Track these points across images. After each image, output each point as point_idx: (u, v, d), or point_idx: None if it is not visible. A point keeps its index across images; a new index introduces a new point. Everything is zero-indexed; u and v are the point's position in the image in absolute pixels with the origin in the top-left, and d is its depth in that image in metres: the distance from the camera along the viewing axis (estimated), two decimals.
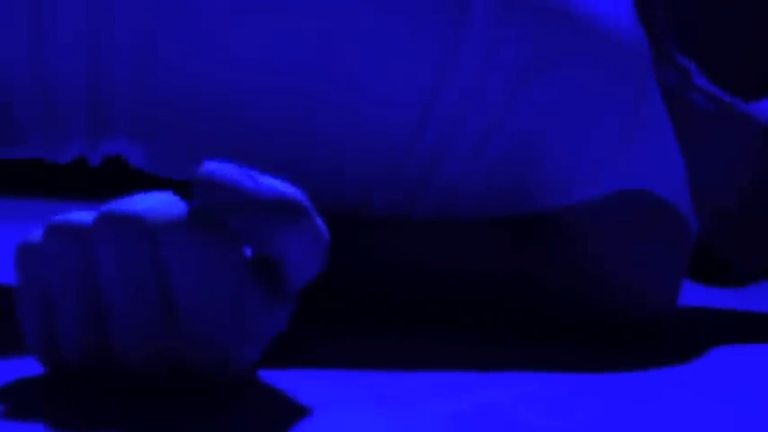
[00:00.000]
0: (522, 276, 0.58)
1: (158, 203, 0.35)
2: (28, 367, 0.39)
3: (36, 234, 0.37)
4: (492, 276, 0.58)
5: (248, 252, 0.35)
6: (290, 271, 0.35)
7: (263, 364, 0.41)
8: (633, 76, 0.60)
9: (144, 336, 0.34)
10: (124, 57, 0.53)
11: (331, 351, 0.46)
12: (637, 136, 0.60)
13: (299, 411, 0.34)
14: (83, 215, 0.36)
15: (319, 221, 0.36)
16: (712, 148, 0.72)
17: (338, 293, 0.59)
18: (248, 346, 0.34)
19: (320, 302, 0.60)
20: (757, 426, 0.37)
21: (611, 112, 0.59)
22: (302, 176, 0.57)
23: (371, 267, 0.57)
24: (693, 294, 0.92)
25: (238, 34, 0.53)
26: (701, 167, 0.72)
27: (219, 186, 0.33)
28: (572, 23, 0.59)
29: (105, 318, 0.35)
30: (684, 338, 0.62)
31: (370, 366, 0.43)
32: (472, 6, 0.56)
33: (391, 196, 0.57)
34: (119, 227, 0.34)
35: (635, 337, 0.59)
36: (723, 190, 0.73)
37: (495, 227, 0.59)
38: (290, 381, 0.38)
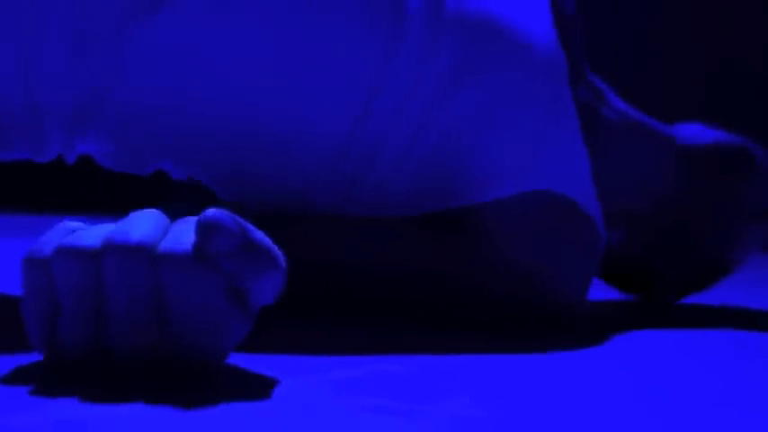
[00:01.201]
0: (443, 273, 0.63)
1: (158, 232, 0.43)
2: (26, 358, 0.48)
3: (39, 247, 0.43)
4: (415, 274, 0.63)
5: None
6: (255, 297, 0.43)
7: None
8: (550, 85, 0.66)
9: (138, 341, 0.41)
10: (104, 62, 0.59)
11: (263, 338, 0.56)
12: (552, 140, 0.65)
13: (251, 385, 0.44)
14: (90, 236, 0.43)
15: (282, 260, 0.43)
16: (626, 163, 0.77)
17: None
18: (224, 351, 0.43)
19: None
20: (646, 410, 0.47)
21: (530, 115, 0.64)
22: (249, 172, 0.63)
23: (296, 266, 0.63)
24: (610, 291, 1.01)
25: (198, 43, 0.59)
26: (616, 181, 0.77)
27: (219, 232, 0.41)
28: (499, 34, 0.64)
29: (106, 324, 0.42)
30: (593, 329, 0.69)
31: (290, 348, 0.53)
32: (409, 14, 0.62)
33: (330, 190, 0.63)
34: (126, 256, 0.41)
35: (548, 328, 0.65)
36: (636, 203, 0.79)
37: (417, 226, 0.64)
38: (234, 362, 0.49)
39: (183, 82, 0.60)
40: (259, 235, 0.43)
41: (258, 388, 0.43)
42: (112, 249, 0.42)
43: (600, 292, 0.99)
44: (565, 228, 0.65)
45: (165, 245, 0.42)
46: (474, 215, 0.64)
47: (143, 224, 0.43)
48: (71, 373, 0.44)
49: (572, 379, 0.49)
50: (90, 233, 0.43)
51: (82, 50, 0.59)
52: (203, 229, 0.41)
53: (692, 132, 0.83)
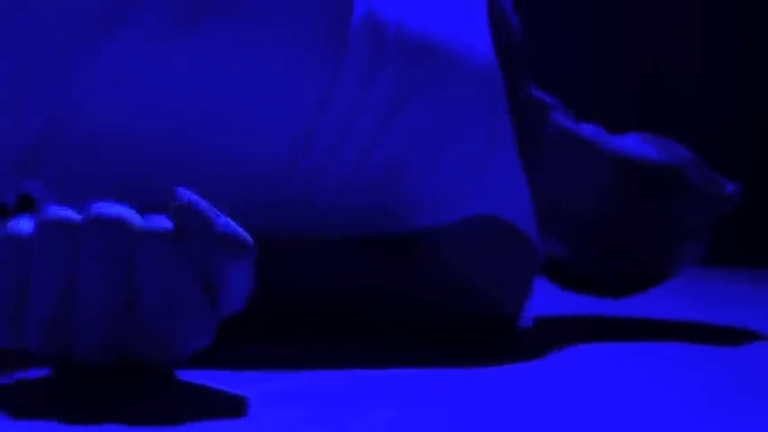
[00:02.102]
0: (394, 292, 0.65)
1: (134, 214, 0.43)
2: None
3: (17, 224, 0.43)
4: (368, 292, 0.65)
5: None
6: (224, 296, 0.43)
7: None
8: (488, 111, 0.68)
9: (103, 326, 0.41)
10: (46, 105, 0.60)
11: (220, 355, 0.57)
12: (491, 163, 0.67)
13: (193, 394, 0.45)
14: (72, 211, 0.43)
15: (252, 246, 0.43)
16: (566, 178, 0.80)
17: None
18: (186, 346, 0.43)
19: None
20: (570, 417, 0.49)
21: (469, 139, 0.67)
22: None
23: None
24: (562, 304, 1.03)
25: (141, 76, 0.60)
26: (557, 195, 0.80)
27: (194, 210, 0.42)
28: (439, 55, 0.66)
29: (72, 306, 0.42)
30: (534, 341, 0.71)
31: (245, 364, 0.54)
32: (349, 39, 0.63)
33: (269, 214, 0.64)
34: (106, 226, 0.41)
35: (489, 338, 0.68)
36: (576, 217, 0.81)
37: (369, 248, 0.66)
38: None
39: (126, 117, 0.61)
40: (228, 220, 0.43)
41: (190, 401, 0.45)
42: (93, 221, 0.42)
43: (550, 299, 1.01)
44: (505, 247, 0.67)
45: (144, 223, 0.43)
46: (423, 237, 0.66)
47: (120, 206, 0.43)
48: (26, 362, 0.45)
49: (504, 391, 0.51)
50: (72, 209, 0.43)
51: (23, 96, 0.59)
52: (179, 208, 0.42)
53: (630, 147, 0.85)
